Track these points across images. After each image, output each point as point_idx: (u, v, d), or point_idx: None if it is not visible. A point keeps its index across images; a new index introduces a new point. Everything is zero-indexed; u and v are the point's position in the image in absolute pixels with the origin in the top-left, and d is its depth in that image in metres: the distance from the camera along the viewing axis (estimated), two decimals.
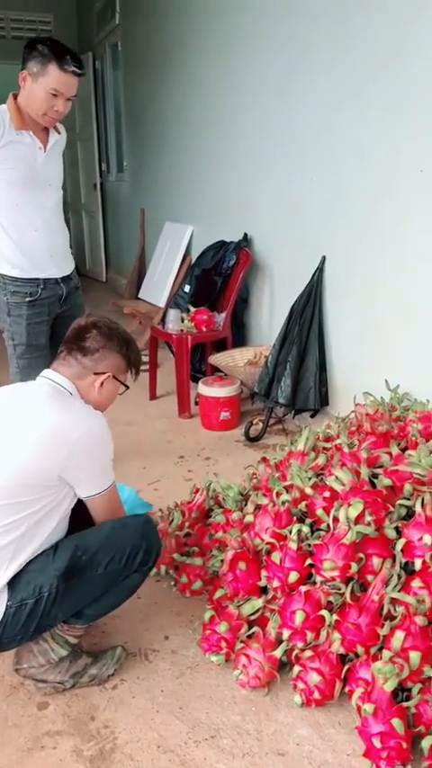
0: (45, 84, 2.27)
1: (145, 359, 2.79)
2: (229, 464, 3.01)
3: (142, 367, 1.87)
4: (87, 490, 1.61)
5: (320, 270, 3.14)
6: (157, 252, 5.43)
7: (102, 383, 1.68)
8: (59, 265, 2.58)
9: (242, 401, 3.52)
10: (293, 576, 1.70)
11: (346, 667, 1.61)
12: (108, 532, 1.63)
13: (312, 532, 1.80)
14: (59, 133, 2.50)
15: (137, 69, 6.23)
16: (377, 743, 1.42)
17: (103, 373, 1.68)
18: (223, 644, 1.74)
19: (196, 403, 3.57)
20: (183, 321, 3.63)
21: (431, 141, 2.38)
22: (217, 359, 3.60)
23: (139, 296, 5.62)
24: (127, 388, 1.78)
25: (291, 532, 1.77)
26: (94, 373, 1.68)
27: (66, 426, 1.53)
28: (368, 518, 1.67)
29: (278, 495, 1.88)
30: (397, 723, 1.43)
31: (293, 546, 1.73)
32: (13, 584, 1.54)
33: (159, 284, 5.17)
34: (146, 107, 6.04)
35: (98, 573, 1.58)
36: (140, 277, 6.11)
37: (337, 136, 2.97)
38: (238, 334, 4.00)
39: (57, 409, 1.56)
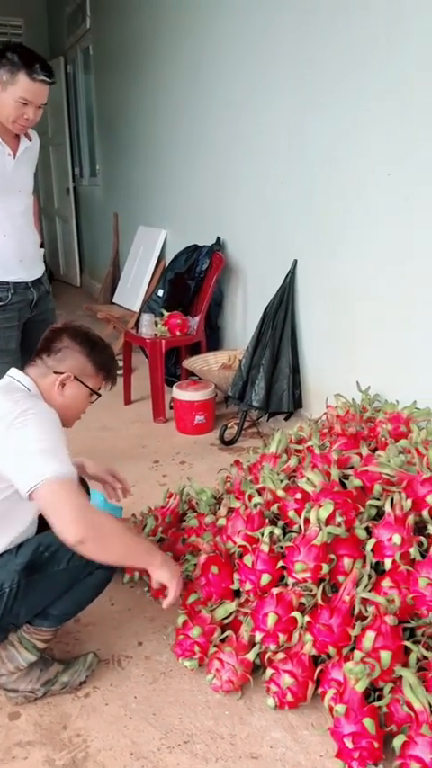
0: (14, 93, 2.25)
1: (120, 363, 2.77)
2: (204, 468, 3.01)
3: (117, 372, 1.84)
4: (25, 482, 1.41)
5: (292, 273, 3.16)
6: (131, 256, 5.41)
7: (62, 384, 1.65)
8: (29, 270, 2.56)
9: (217, 405, 3.53)
10: (265, 579, 1.70)
11: (318, 669, 1.62)
12: None
13: (284, 534, 1.80)
14: (30, 140, 2.49)
15: (108, 73, 6.22)
16: (349, 743, 1.42)
17: (64, 373, 1.65)
18: (197, 648, 1.73)
19: (171, 407, 3.56)
20: (156, 325, 3.62)
21: (398, 146, 2.41)
22: (191, 363, 3.59)
23: (114, 300, 5.60)
24: (98, 395, 1.75)
25: (263, 535, 1.77)
26: (55, 372, 1.66)
27: (2, 411, 1.49)
28: (339, 519, 1.68)
29: (250, 497, 1.88)
30: (369, 723, 1.43)
31: (265, 548, 1.73)
32: None
33: (133, 289, 5.16)
34: (118, 111, 6.03)
35: (60, 569, 1.57)
36: (115, 281, 6.09)
37: (308, 141, 3.00)
38: (212, 338, 4.01)
39: (1, 400, 1.54)
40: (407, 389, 2.40)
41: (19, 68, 2.23)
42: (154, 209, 5.31)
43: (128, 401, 3.89)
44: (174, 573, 1.63)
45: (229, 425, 3.30)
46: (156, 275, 4.99)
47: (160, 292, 3.97)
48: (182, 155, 4.60)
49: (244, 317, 3.87)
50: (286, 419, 3.26)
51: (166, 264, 4.85)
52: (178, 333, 3.62)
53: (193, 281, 3.89)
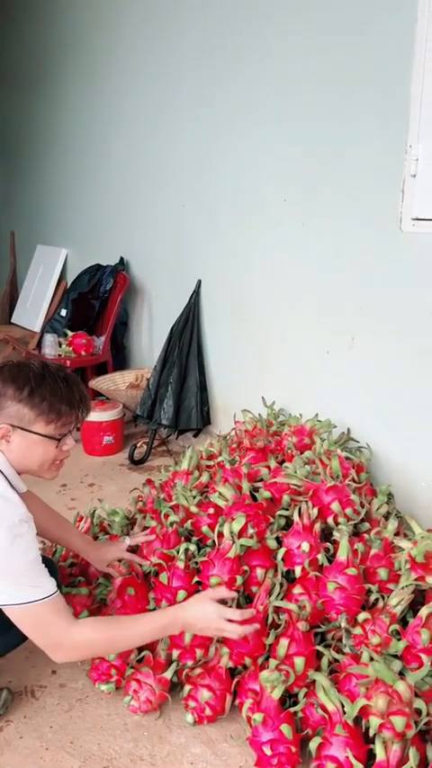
0: None
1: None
2: (114, 489, 2.98)
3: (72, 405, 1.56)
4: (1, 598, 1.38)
5: (197, 293, 3.22)
6: (29, 275, 5.31)
7: (5, 437, 1.46)
8: None
9: (125, 424, 3.51)
10: (181, 595, 1.72)
11: (235, 680, 1.65)
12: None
13: (199, 550, 1.83)
14: None
15: (3, 89, 6.10)
16: (267, 750, 1.46)
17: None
18: (113, 671, 1.71)
19: (78, 428, 3.50)
20: (60, 346, 3.57)
21: (293, 174, 2.53)
22: (98, 383, 3.56)
23: (12, 321, 5.45)
24: (57, 440, 1.51)
25: (178, 552, 1.79)
26: None
27: None
28: (250, 531, 1.73)
29: (167, 516, 1.89)
30: (286, 729, 1.47)
31: (181, 565, 1.75)
32: None
33: (33, 308, 5.05)
34: (13, 127, 5.93)
35: None
36: (12, 301, 5.93)
37: (211, 165, 3.08)
38: (118, 358, 4.00)
39: None
40: (309, 403, 2.51)
41: None
42: (53, 228, 5.24)
43: None
44: (205, 621, 1.52)
45: (138, 445, 3.30)
46: (57, 295, 4.91)
47: (63, 312, 3.92)
48: (82, 174, 4.59)
49: (150, 337, 3.89)
50: (195, 436, 3.30)
51: (68, 284, 4.79)
52: (83, 353, 3.59)
53: (97, 300, 3.87)
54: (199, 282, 3.23)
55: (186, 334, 3.20)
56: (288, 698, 1.59)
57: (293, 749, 1.47)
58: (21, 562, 1.40)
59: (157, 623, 1.51)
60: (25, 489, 1.61)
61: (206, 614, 1.52)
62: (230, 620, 1.53)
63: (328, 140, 2.31)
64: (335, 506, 1.77)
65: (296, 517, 1.77)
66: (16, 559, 1.39)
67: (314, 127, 2.37)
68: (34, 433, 1.46)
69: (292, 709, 1.53)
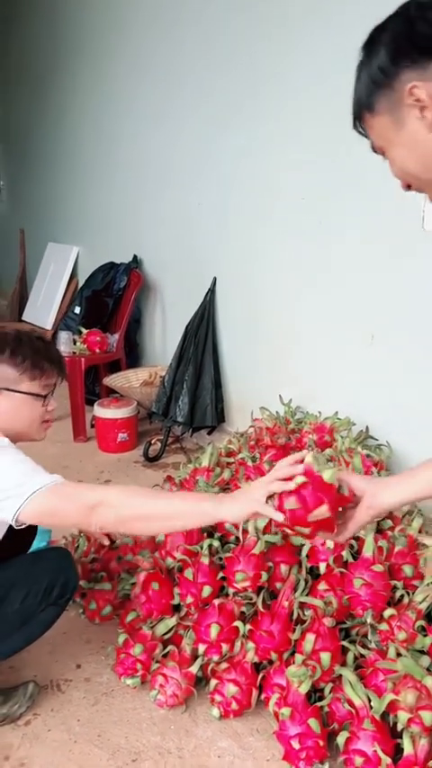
0: None
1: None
2: (130, 485, 2.99)
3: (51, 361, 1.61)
4: (9, 512, 1.36)
5: (212, 291, 3.24)
6: (40, 273, 5.32)
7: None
8: None
9: (139, 422, 3.52)
10: (207, 591, 1.73)
11: (260, 675, 1.66)
12: (25, 567, 1.58)
13: (222, 546, 1.84)
14: None
15: (11, 88, 6.12)
16: (296, 744, 1.47)
17: None
18: (139, 666, 1.73)
19: (92, 425, 3.52)
20: (75, 343, 3.58)
21: (311, 171, 2.54)
22: (112, 380, 3.58)
23: (23, 318, 5.47)
24: (43, 398, 1.56)
25: (202, 548, 1.80)
26: None
27: None
28: (275, 527, 1.74)
29: None
30: (313, 723, 1.49)
31: (205, 561, 1.77)
32: None
33: (45, 306, 5.07)
34: (22, 126, 5.94)
35: (14, 608, 1.53)
36: (23, 299, 5.95)
37: (225, 164, 3.09)
38: (132, 355, 4.01)
39: None
40: (324, 401, 2.52)
41: None
42: (64, 226, 5.25)
43: None
44: (251, 502, 1.25)
45: (152, 442, 3.31)
46: (68, 293, 4.93)
47: (77, 309, 3.93)
48: (93, 172, 4.60)
49: (163, 334, 3.90)
50: (209, 433, 3.31)
51: (79, 281, 4.81)
52: (97, 350, 3.60)
53: (111, 298, 3.88)
54: (214, 280, 3.24)
55: (201, 331, 3.22)
56: (313, 693, 1.61)
57: (321, 743, 1.48)
58: (12, 469, 1.39)
59: (193, 497, 1.48)
60: None
61: (247, 492, 1.28)
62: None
63: (347, 137, 2.32)
64: None
65: None
66: (5, 468, 1.39)
67: (333, 123, 2.37)
68: (20, 392, 1.51)
69: (318, 704, 1.55)
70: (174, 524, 1.45)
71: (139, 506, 1.39)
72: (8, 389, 1.51)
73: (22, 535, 1.62)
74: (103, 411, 3.36)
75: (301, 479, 1.17)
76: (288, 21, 2.54)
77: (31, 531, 1.81)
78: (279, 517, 1.18)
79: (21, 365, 1.52)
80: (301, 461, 1.21)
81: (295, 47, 2.52)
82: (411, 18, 0.85)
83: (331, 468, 1.19)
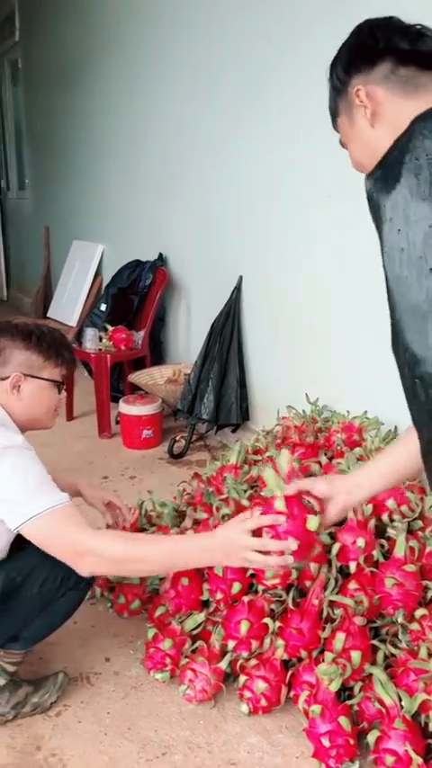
0: None
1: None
2: (155, 482, 3.01)
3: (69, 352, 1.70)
4: (13, 522, 1.40)
5: (238, 289, 3.24)
6: (65, 271, 5.36)
7: (16, 387, 1.55)
8: None
9: (163, 419, 3.54)
10: (236, 587, 1.73)
11: (289, 672, 1.66)
12: (41, 551, 1.58)
13: None
14: None
15: (39, 87, 6.17)
16: (326, 742, 1.48)
17: (9, 376, 1.54)
18: (168, 661, 1.74)
19: (117, 422, 3.55)
20: (101, 340, 3.61)
21: (340, 169, 2.52)
22: (137, 377, 3.60)
23: (48, 315, 5.52)
24: (60, 384, 1.62)
25: None
26: (2, 378, 1.55)
27: None
28: None
29: (218, 509, 1.91)
30: (344, 721, 1.49)
31: None
32: None
33: (69, 303, 5.11)
34: (49, 124, 5.98)
35: (33, 592, 1.54)
36: (47, 297, 6.00)
37: (252, 162, 3.09)
38: (155, 353, 4.03)
39: None
40: (351, 400, 2.51)
41: None
42: (89, 224, 5.29)
43: (70, 417, 3.84)
44: (229, 548, 1.34)
45: (176, 439, 3.33)
46: (93, 290, 4.96)
47: (103, 307, 3.96)
48: (119, 170, 4.62)
49: (187, 332, 3.92)
50: (234, 431, 3.32)
51: (104, 279, 4.84)
52: (123, 347, 3.62)
53: (137, 295, 3.90)
54: (240, 278, 3.25)
55: (227, 329, 3.22)
56: (342, 691, 1.61)
57: (351, 741, 1.49)
58: (20, 479, 1.41)
59: (179, 546, 1.47)
60: None
61: (232, 542, 1.33)
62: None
63: None
64: (390, 503, 1.78)
65: (350, 513, 1.78)
66: (15, 476, 1.41)
67: None
68: (43, 378, 1.57)
69: (348, 703, 1.55)
70: (175, 563, 1.52)
71: (136, 550, 1.43)
72: (33, 376, 1.57)
73: None
74: (129, 408, 3.38)
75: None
76: (311, 17, 2.54)
77: None
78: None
79: (45, 352, 1.58)
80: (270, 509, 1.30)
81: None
82: (362, 34, 1.04)
83: (315, 518, 1.28)
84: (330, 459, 2.10)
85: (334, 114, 1.16)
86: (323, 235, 2.67)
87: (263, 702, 1.63)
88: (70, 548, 1.40)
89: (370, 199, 0.95)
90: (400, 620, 1.62)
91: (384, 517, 1.81)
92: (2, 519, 1.42)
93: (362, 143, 1.07)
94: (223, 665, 1.70)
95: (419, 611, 1.61)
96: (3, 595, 1.50)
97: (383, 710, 1.50)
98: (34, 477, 1.44)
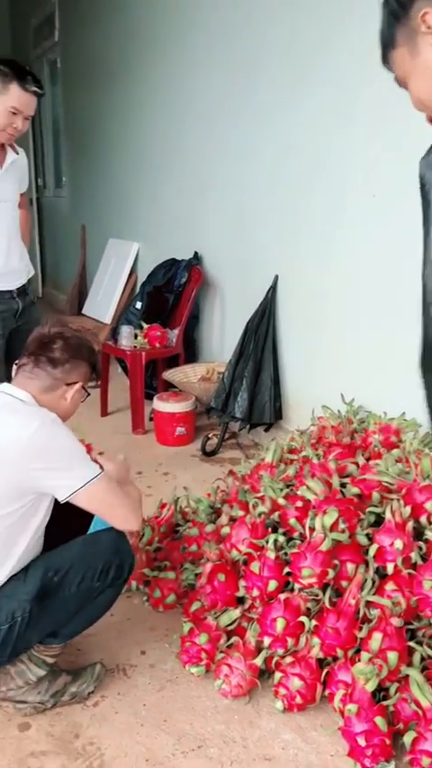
0: (5, 103, 2.31)
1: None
2: (188, 478, 3.04)
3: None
4: (66, 489, 1.50)
5: (274, 288, 3.25)
6: (101, 269, 5.42)
7: (73, 393, 1.66)
8: (13, 279, 2.58)
9: (196, 416, 3.56)
10: (272, 585, 1.75)
11: (324, 671, 1.67)
12: (79, 549, 1.62)
13: (287, 542, 1.85)
14: (17, 153, 2.53)
15: (77, 85, 6.24)
16: (362, 741, 1.48)
17: (75, 383, 1.66)
18: (203, 655, 1.76)
19: (151, 419, 3.58)
20: (136, 337, 3.65)
21: (384, 169, 2.52)
22: (171, 374, 3.63)
23: (83, 312, 5.58)
24: (88, 394, 1.77)
25: (267, 542, 1.82)
26: (66, 384, 1.64)
27: (14, 431, 1.49)
28: (342, 525, 1.75)
29: (254, 507, 1.92)
30: (380, 721, 1.49)
31: (271, 555, 1.78)
32: None
33: (104, 301, 5.16)
34: (86, 123, 6.04)
35: (71, 592, 1.57)
36: (82, 294, 6.07)
37: (290, 160, 3.09)
38: (189, 351, 4.05)
39: (7, 418, 1.53)
40: (387, 401, 2.49)
41: (11, 79, 2.29)
42: (125, 222, 5.33)
43: (104, 413, 3.89)
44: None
45: (209, 436, 3.34)
46: (127, 288, 5.01)
47: (138, 305, 4.00)
48: (155, 169, 4.66)
49: (221, 331, 3.93)
50: (266, 430, 3.33)
51: (138, 277, 4.88)
52: (158, 345, 3.65)
53: (172, 294, 3.93)
54: (276, 278, 3.25)
55: (262, 328, 3.23)
56: (378, 692, 1.61)
57: (387, 741, 1.49)
58: (68, 449, 1.54)
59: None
60: None
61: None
62: None
63: (426, 132, 2.29)
64: (429, 506, 1.77)
65: (388, 515, 1.78)
66: (63, 447, 1.53)
67: (409, 118, 2.35)
68: (84, 387, 1.70)
69: (384, 703, 1.55)
70: None
71: None
72: (83, 386, 1.69)
73: (79, 515, 1.69)
74: (163, 405, 3.41)
75: None
76: (338, 19, 2.52)
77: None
78: None
79: (95, 365, 1.75)
80: None
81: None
82: None
83: None
84: (367, 460, 2.09)
85: (388, 45, 1.00)
86: (362, 235, 2.66)
87: (298, 700, 1.64)
88: (127, 508, 1.60)
89: (422, 183, 0.89)
90: None
91: (423, 519, 1.79)
92: (58, 484, 1.51)
93: (427, 77, 0.94)
94: (258, 661, 1.72)
95: None
96: (41, 595, 1.53)
97: (420, 712, 1.50)
98: (80, 447, 1.58)
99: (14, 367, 1.68)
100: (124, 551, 1.66)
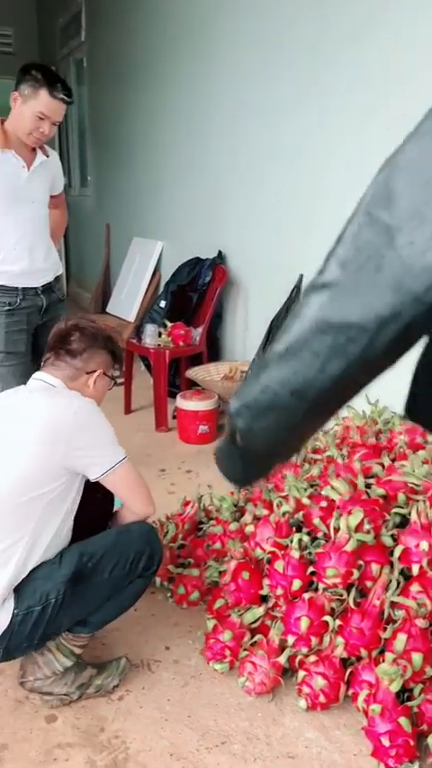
0: (34, 107, 2.37)
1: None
2: (211, 476, 3.05)
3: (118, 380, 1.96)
4: (100, 468, 1.60)
5: (298, 288, 3.24)
6: (125, 267, 5.45)
7: (95, 380, 1.75)
8: (38, 277, 2.62)
9: (219, 415, 3.58)
10: (297, 584, 1.75)
11: (348, 671, 1.67)
12: (113, 538, 1.67)
13: (311, 541, 1.86)
14: (47, 156, 2.57)
15: (103, 85, 6.28)
16: (386, 741, 1.48)
17: (95, 371, 1.74)
18: (227, 652, 1.78)
19: (174, 417, 3.60)
20: (160, 336, 3.67)
21: None
22: (194, 373, 3.64)
23: (107, 310, 5.62)
24: (115, 382, 1.86)
25: (292, 542, 1.83)
26: (87, 372, 1.74)
27: (58, 410, 1.58)
28: (367, 526, 1.75)
29: (278, 506, 1.93)
30: (404, 721, 1.49)
31: (296, 554, 1.79)
32: (19, 591, 1.55)
33: (128, 299, 5.20)
34: (111, 122, 6.08)
35: (104, 578, 1.61)
36: (105, 292, 6.12)
37: (313, 161, 3.09)
38: (212, 349, 4.06)
39: (48, 400, 1.62)
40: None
41: (42, 85, 2.35)
42: (149, 221, 5.36)
43: (128, 410, 3.92)
44: None
45: None
46: (151, 287, 5.04)
47: (162, 303, 4.02)
48: (179, 168, 4.68)
49: (244, 330, 3.94)
50: None
51: (162, 276, 4.91)
52: (181, 343, 3.67)
53: (196, 293, 3.95)
54: (300, 277, 3.25)
55: None
56: (401, 692, 1.61)
57: (411, 742, 1.49)
58: (104, 429, 1.64)
59: None
60: None
61: None
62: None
63: None
64: None
65: (414, 516, 1.77)
66: (101, 426, 1.64)
67: None
68: (109, 376, 1.81)
69: (408, 704, 1.55)
70: None
71: None
72: (105, 373, 1.79)
73: (103, 503, 1.79)
74: (186, 403, 3.43)
75: None
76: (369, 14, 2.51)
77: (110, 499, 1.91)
78: None
79: (116, 355, 1.83)
80: None
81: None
82: None
83: None
84: (393, 461, 2.09)
85: None
86: None
87: (321, 699, 1.65)
88: (147, 493, 1.72)
89: None
90: None
91: None
92: (93, 462, 1.60)
93: None
94: (282, 659, 1.72)
95: None
96: (75, 580, 1.57)
97: None
98: (109, 426, 1.68)
99: (42, 364, 1.77)
100: (154, 543, 1.71)
